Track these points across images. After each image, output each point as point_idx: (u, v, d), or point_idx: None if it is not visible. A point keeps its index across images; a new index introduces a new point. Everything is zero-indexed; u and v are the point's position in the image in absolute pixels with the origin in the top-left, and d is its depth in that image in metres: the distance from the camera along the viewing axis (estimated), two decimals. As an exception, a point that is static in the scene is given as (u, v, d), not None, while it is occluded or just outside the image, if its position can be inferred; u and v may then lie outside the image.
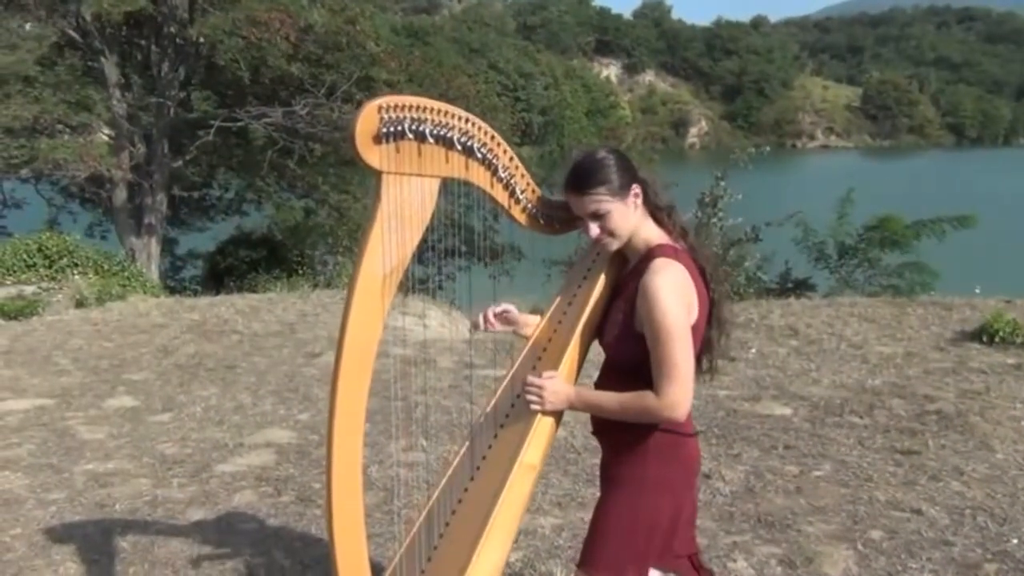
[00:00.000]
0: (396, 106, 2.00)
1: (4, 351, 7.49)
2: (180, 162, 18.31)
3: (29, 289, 10.78)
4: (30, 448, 5.00)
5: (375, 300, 2.04)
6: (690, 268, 2.18)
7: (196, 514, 4.10)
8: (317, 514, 4.08)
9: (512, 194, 2.24)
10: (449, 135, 2.08)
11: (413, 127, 2.02)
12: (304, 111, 16.62)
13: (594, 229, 2.20)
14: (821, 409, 5.51)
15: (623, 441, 2.24)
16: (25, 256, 11.70)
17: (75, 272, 11.75)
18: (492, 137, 2.17)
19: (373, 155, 2.00)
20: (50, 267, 11.73)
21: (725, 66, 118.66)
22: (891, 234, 15.63)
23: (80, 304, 9.99)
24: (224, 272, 19.16)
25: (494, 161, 2.18)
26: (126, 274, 12.45)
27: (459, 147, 2.10)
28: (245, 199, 22.06)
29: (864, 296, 11.79)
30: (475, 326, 2.44)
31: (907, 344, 7.20)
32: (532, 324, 2.44)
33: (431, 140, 2.05)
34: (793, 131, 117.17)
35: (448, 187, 2.16)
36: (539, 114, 70.08)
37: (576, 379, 2.28)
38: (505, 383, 2.37)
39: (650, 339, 2.11)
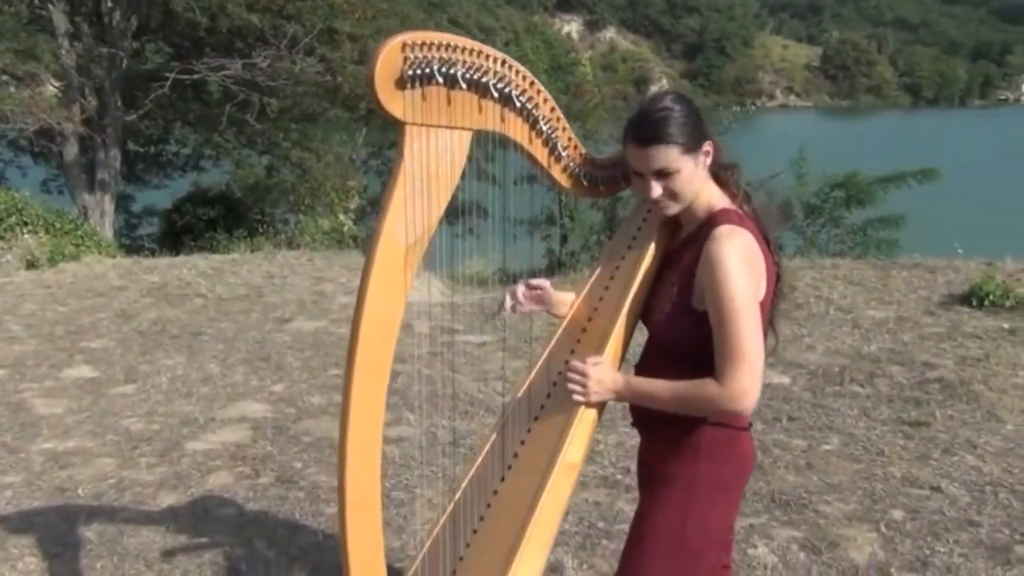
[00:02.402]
0: (423, 43, 1.67)
1: (-50, 316, 7.02)
2: (134, 116, 17.56)
3: (-25, 249, 10.24)
4: (-18, 424, 4.62)
5: (397, 273, 1.74)
6: (756, 237, 1.89)
7: (167, 498, 3.77)
8: (300, 497, 3.77)
9: (553, 151, 1.93)
10: (484, 80, 1.76)
11: (443, 69, 1.70)
12: (265, 63, 15.97)
13: (656, 189, 1.88)
14: (820, 377, 5.31)
15: (669, 437, 1.95)
16: (-30, 214, 11.11)
17: (25, 231, 11.18)
18: (532, 83, 1.85)
19: (396, 103, 1.67)
20: (-2, 226, 11.15)
21: (686, 23, 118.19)
22: (857, 192, 15.59)
23: (31, 265, 9.49)
24: (181, 231, 18.56)
25: (534, 112, 1.86)
26: (79, 233, 11.89)
27: (495, 94, 1.79)
28: (203, 155, 21.33)
29: (830, 256, 11.68)
30: (506, 308, 2.11)
31: (897, 308, 7.02)
32: (567, 303, 2.13)
33: (463, 85, 1.73)
34: (753, 90, 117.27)
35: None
36: (500, 70, 69.16)
37: (621, 364, 1.99)
38: (537, 369, 2.07)
39: (714, 318, 1.82)
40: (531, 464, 1.91)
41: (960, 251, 9.29)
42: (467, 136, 1.78)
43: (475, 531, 1.91)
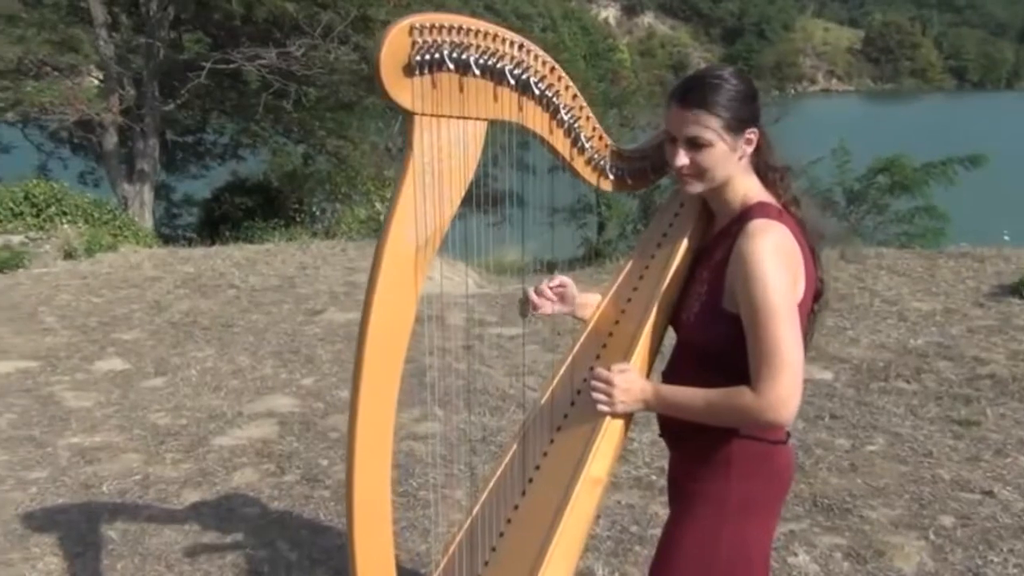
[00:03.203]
0: (433, 26, 1.54)
1: (-14, 307, 7.06)
2: (172, 106, 17.65)
3: (16, 239, 10.29)
4: (11, 418, 4.59)
5: (407, 273, 1.62)
6: (796, 233, 1.74)
7: (191, 496, 3.71)
8: (325, 496, 3.69)
9: (576, 142, 1.79)
10: (499, 65, 1.63)
11: (454, 54, 1.57)
12: (299, 52, 15.94)
13: (682, 157, 1.74)
14: (864, 373, 5.12)
15: (698, 450, 1.81)
16: (11, 204, 11.18)
17: (64, 221, 11.25)
18: (552, 69, 1.71)
19: (403, 91, 1.55)
20: (38, 216, 11.21)
21: (726, 7, 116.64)
22: (900, 178, 15.21)
23: (69, 255, 9.53)
24: (220, 220, 18.67)
25: (554, 100, 1.73)
26: (117, 223, 11.95)
27: (511, 81, 1.65)
28: (240, 144, 21.42)
29: (877, 245, 11.38)
30: (528, 307, 1.98)
31: (944, 300, 6.78)
32: (592, 305, 2.00)
33: (477, 72, 1.60)
34: (793, 74, 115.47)
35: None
36: (537, 57, 68.72)
37: (651, 371, 1.85)
38: (561, 375, 1.94)
39: (747, 320, 1.67)
40: (553, 478, 1.78)
41: (1008, 239, 8.99)
42: (482, 127, 1.65)
43: (494, 549, 1.80)
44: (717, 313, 1.74)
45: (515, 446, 1.91)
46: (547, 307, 1.98)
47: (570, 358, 1.94)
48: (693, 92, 1.72)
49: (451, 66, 1.57)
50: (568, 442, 1.80)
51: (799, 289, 1.71)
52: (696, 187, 1.78)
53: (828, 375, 5.10)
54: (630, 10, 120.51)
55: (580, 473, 1.73)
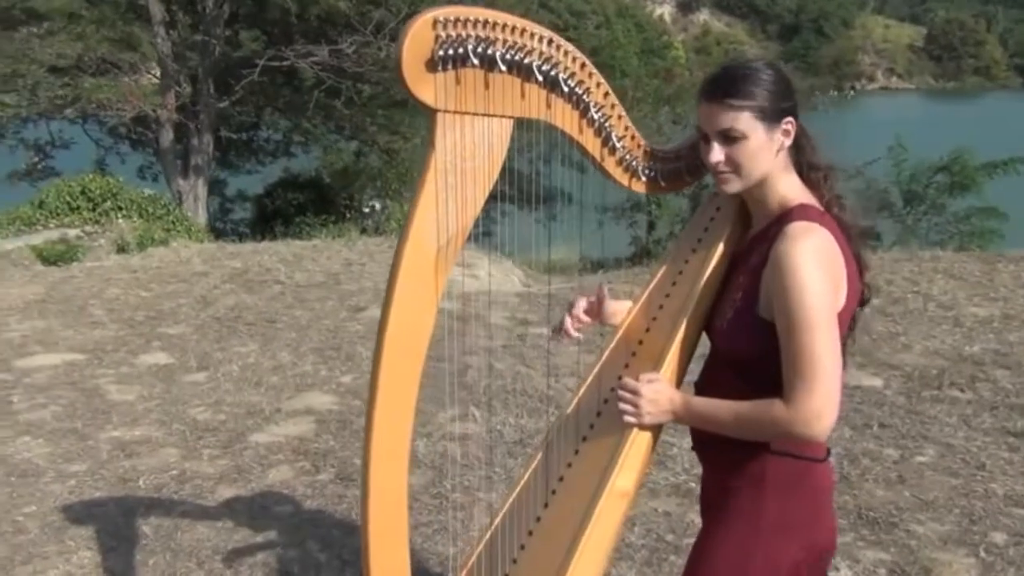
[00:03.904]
0: (457, 20, 1.49)
1: (40, 300, 7.19)
2: (226, 102, 17.90)
3: (72, 233, 10.51)
4: (55, 410, 4.66)
5: (427, 277, 1.56)
6: (838, 238, 1.65)
7: (226, 492, 3.72)
8: (358, 496, 3.64)
9: (607, 142, 1.73)
10: (527, 61, 1.57)
11: (480, 49, 1.51)
12: (351, 49, 16.04)
13: (716, 152, 1.66)
14: (916, 380, 4.96)
15: (731, 464, 1.72)
16: (69, 198, 11.41)
17: (119, 215, 11.45)
18: (583, 66, 1.65)
19: (426, 87, 1.49)
20: (94, 210, 11.42)
21: (783, 3, 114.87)
22: (960, 177, 14.81)
23: (121, 249, 9.68)
24: (272, 215, 18.90)
25: (585, 98, 1.66)
26: (171, 218, 12.12)
27: (539, 77, 1.59)
28: (293, 141, 21.66)
29: (931, 246, 11.08)
30: (567, 332, 1.93)
31: (1003, 305, 6.54)
32: (623, 312, 1.93)
33: (503, 67, 1.54)
34: (852, 72, 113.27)
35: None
36: (590, 54, 68.48)
37: (681, 382, 1.77)
38: (588, 382, 1.87)
39: (783, 328, 1.59)
40: (577, 490, 1.72)
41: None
42: (507, 124, 1.59)
43: (514, 561, 1.74)
44: (752, 320, 1.66)
45: (539, 455, 1.85)
46: (586, 323, 1.93)
47: (598, 366, 1.87)
48: (722, 83, 1.65)
49: (476, 61, 1.51)
50: (593, 453, 1.74)
51: (840, 297, 1.63)
52: (734, 184, 1.70)
53: (878, 382, 4.95)
54: (685, 7, 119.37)
55: (605, 486, 1.67)
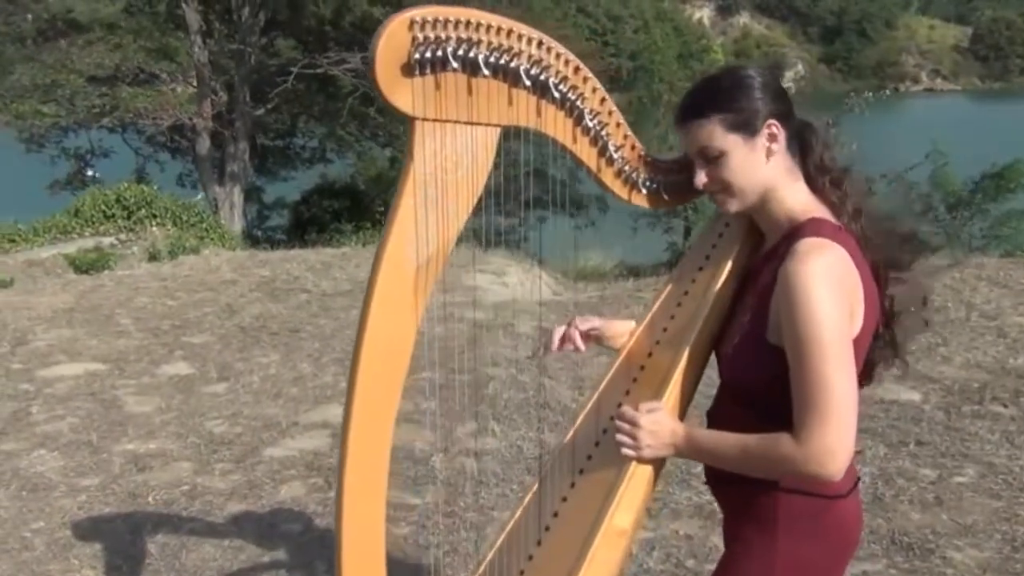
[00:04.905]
0: (437, 20, 1.37)
1: (68, 308, 7.20)
2: (262, 110, 18.02)
3: (107, 241, 10.58)
4: (73, 422, 4.62)
5: (405, 298, 1.45)
6: (855, 254, 1.51)
7: (236, 508, 3.63)
8: (371, 514, 3.55)
9: (603, 152, 1.59)
10: (514, 64, 1.45)
11: (461, 52, 1.39)
12: (384, 56, 16.03)
13: (700, 176, 1.55)
14: (956, 394, 4.74)
15: (743, 500, 1.59)
16: (104, 207, 11.51)
17: (153, 223, 11.52)
18: (576, 70, 1.52)
19: (403, 93, 1.38)
20: (128, 218, 11.51)
21: (824, 5, 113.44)
22: (1007, 183, 14.38)
23: (153, 258, 9.71)
24: (308, 222, 18.97)
25: (578, 104, 1.53)
26: (204, 225, 12.18)
27: (528, 82, 1.47)
28: (328, 148, 21.77)
29: (975, 252, 10.74)
30: (552, 348, 1.82)
31: (1050, 315, 6.29)
32: (626, 333, 1.80)
33: (487, 71, 1.42)
34: (896, 74, 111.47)
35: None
36: (628, 59, 68.17)
37: (685, 412, 1.64)
38: (587, 410, 1.74)
39: (792, 355, 1.44)
40: (572, 527, 1.59)
41: None
42: (494, 133, 1.47)
43: (505, 603, 1.61)
44: (760, 346, 1.52)
45: (535, 487, 1.72)
46: (568, 348, 1.80)
47: (598, 391, 1.74)
48: (686, 102, 1.55)
49: (456, 65, 1.39)
50: (589, 487, 1.61)
51: (855, 321, 1.48)
52: (732, 204, 1.57)
53: (916, 396, 4.74)
54: (725, 10, 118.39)
55: (601, 523, 1.53)
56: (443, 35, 1.38)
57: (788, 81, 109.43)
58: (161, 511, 3.61)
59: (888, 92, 19.61)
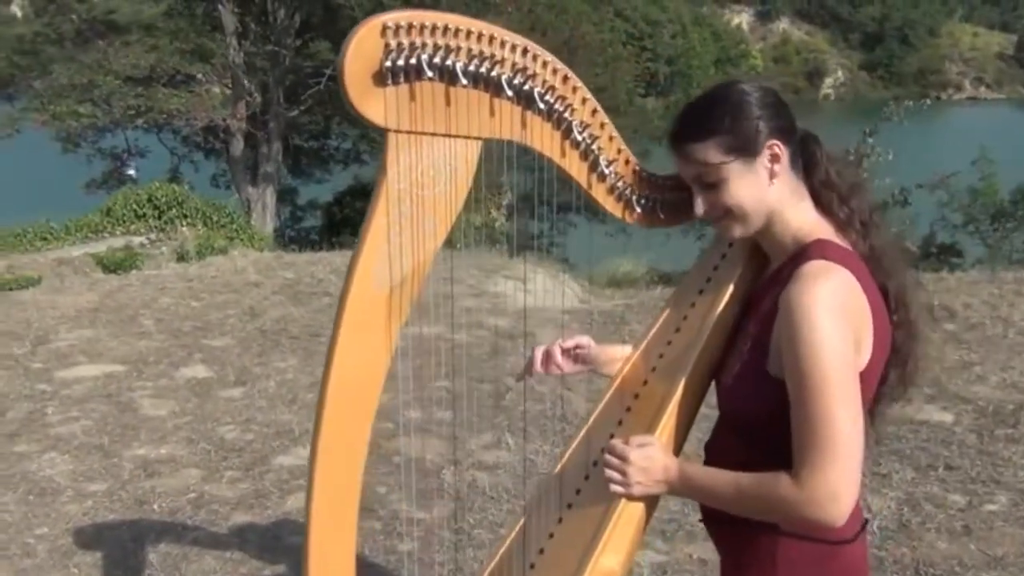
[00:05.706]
0: (411, 26, 1.28)
1: (92, 308, 7.22)
2: (295, 112, 18.10)
3: (137, 240, 10.64)
4: (86, 424, 4.60)
5: (377, 321, 1.38)
6: (864, 279, 1.39)
7: (241, 518, 3.57)
8: (376, 528, 3.48)
9: (594, 167, 1.49)
10: (495, 73, 1.35)
11: (437, 60, 1.30)
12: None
13: (698, 204, 1.45)
14: (990, 417, 4.56)
15: (740, 541, 1.48)
16: (135, 206, 11.58)
17: (184, 223, 11.57)
18: (565, 79, 1.42)
19: (373, 103, 1.29)
20: (159, 218, 11.57)
21: (866, 11, 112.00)
22: None
23: (181, 258, 9.74)
24: (341, 223, 19.01)
25: (567, 116, 1.43)
26: (234, 226, 12.21)
27: (511, 92, 1.37)
28: (361, 150, 21.81)
29: (1015, 266, 10.44)
30: (535, 368, 1.74)
31: (1092, 334, 6.06)
32: (620, 359, 1.70)
33: (466, 81, 1.33)
34: (938, 82, 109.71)
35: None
36: (665, 63, 67.81)
37: (681, 445, 1.53)
38: (578, 440, 1.64)
39: (793, 388, 1.34)
40: (558, 565, 1.49)
41: None
42: (474, 146, 1.38)
43: (485, 646, 1.52)
44: (760, 377, 1.41)
45: (521, 521, 1.63)
46: (554, 371, 1.70)
47: (589, 421, 1.64)
48: (676, 128, 1.44)
49: (431, 74, 1.30)
50: (577, 524, 1.51)
51: (863, 353, 1.36)
52: (736, 230, 1.47)
53: (947, 417, 4.57)
54: (764, 15, 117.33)
55: (587, 563, 1.43)
56: (417, 41, 1.29)
57: (827, 87, 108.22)
58: (166, 519, 3.56)
59: (929, 101, 19.15)
